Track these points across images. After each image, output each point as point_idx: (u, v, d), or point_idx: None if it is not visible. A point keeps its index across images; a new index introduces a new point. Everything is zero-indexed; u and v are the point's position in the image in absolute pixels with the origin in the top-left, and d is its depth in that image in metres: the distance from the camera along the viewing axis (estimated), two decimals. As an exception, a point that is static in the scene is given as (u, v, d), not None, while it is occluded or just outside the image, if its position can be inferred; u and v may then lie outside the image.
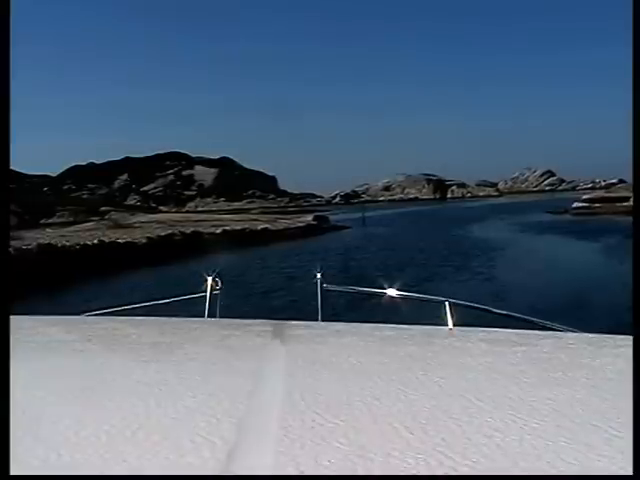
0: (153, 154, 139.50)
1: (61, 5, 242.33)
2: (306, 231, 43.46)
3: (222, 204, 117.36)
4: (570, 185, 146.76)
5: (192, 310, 2.64)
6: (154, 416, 1.04)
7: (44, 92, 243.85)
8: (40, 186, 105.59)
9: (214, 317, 2.54)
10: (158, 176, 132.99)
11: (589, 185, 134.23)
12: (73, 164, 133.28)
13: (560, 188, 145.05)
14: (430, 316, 2.31)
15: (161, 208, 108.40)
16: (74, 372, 1.35)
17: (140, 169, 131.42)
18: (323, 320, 2.53)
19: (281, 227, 44.54)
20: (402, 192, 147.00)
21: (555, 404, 1.08)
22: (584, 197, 60.12)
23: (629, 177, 62.47)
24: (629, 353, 1.43)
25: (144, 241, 33.60)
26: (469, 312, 2.46)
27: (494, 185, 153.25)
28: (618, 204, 49.08)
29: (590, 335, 1.83)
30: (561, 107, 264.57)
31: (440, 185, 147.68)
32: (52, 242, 29.24)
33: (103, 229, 38.87)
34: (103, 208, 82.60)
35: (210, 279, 2.73)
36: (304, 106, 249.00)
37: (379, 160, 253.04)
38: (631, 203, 38.79)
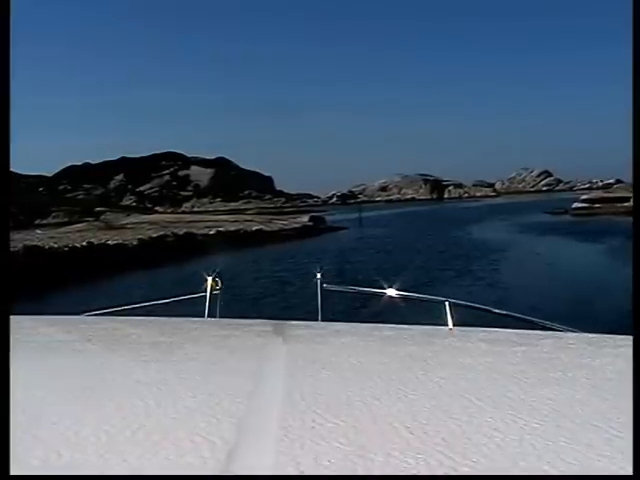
0: (149, 154, 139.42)
1: (60, 5, 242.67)
2: (302, 232, 42.95)
3: (218, 204, 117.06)
4: (567, 185, 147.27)
5: (192, 310, 2.65)
6: (154, 416, 1.03)
7: (41, 92, 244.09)
8: (35, 186, 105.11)
9: (214, 317, 2.54)
10: (154, 176, 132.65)
11: (586, 185, 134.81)
12: (69, 164, 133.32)
13: (557, 188, 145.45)
14: (430, 316, 2.30)
15: (157, 209, 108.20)
16: (74, 372, 1.35)
17: (136, 169, 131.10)
18: (323, 320, 2.53)
19: (276, 228, 44.01)
20: (399, 192, 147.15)
21: (555, 404, 1.08)
22: (583, 197, 59.50)
23: (627, 177, 62.35)
24: (629, 353, 1.42)
25: (135, 243, 32.85)
26: (469, 312, 2.46)
27: (491, 185, 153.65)
28: (618, 204, 48.56)
29: (590, 335, 1.84)
30: (558, 107, 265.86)
31: (437, 185, 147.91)
32: (39, 244, 28.42)
33: (94, 230, 38.28)
34: (98, 209, 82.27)
35: (210, 279, 2.72)
36: (303, 106, 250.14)
37: (376, 160, 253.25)
38: (631, 203, 38.17)
